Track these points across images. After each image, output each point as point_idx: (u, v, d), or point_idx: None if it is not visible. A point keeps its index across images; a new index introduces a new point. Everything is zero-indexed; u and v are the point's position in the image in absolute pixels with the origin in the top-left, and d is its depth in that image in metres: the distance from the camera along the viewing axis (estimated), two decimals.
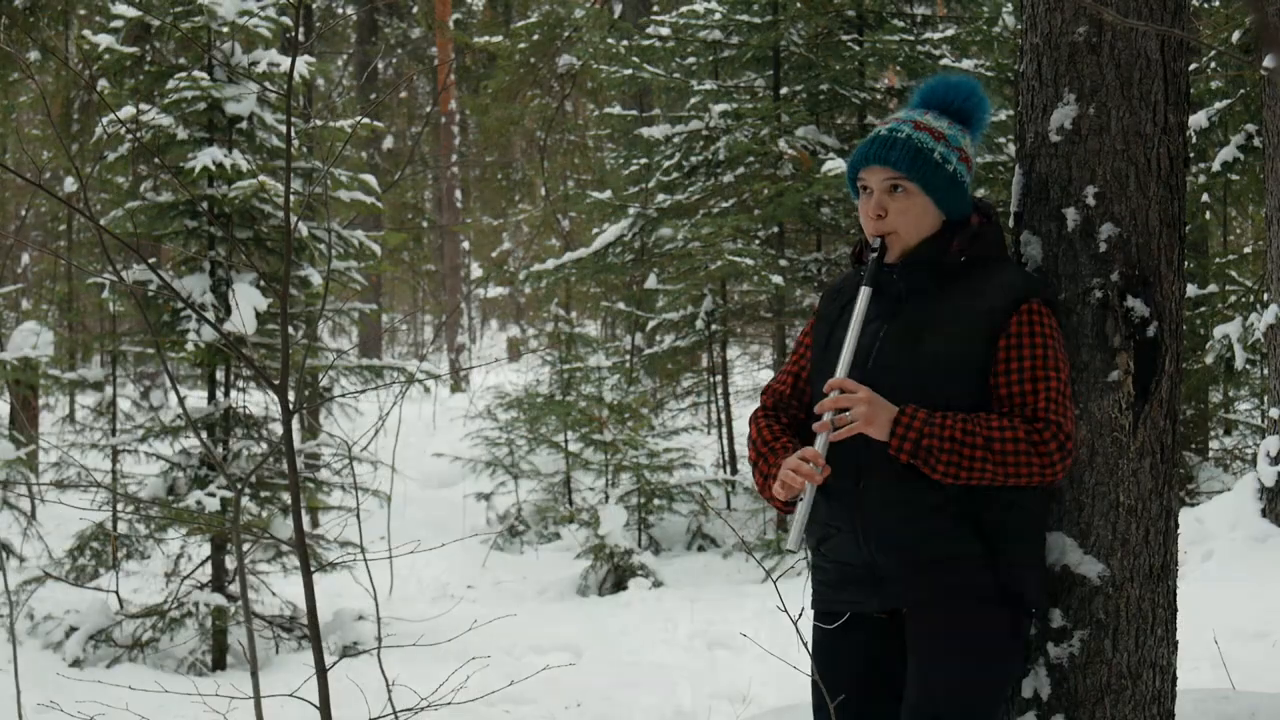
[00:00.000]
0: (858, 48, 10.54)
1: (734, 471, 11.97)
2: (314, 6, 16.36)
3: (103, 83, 7.77)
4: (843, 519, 2.82)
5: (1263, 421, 10.38)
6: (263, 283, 7.11)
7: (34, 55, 12.22)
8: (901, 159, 2.79)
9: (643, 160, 11.61)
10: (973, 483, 2.68)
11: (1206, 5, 9.62)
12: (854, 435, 2.73)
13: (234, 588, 7.25)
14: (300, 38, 7.04)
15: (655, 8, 16.00)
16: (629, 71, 10.93)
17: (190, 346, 7.05)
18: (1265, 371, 8.65)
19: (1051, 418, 2.69)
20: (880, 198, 2.82)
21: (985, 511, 2.73)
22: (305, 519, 10.02)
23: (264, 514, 7.40)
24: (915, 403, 2.72)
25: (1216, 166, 8.98)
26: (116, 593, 7.73)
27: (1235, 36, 8.87)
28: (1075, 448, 2.73)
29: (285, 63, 7.47)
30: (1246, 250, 12.66)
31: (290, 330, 7.56)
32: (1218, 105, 9.01)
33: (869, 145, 2.84)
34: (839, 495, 2.82)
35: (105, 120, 7.68)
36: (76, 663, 7.01)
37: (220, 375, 7.67)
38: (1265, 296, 7.57)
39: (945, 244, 2.83)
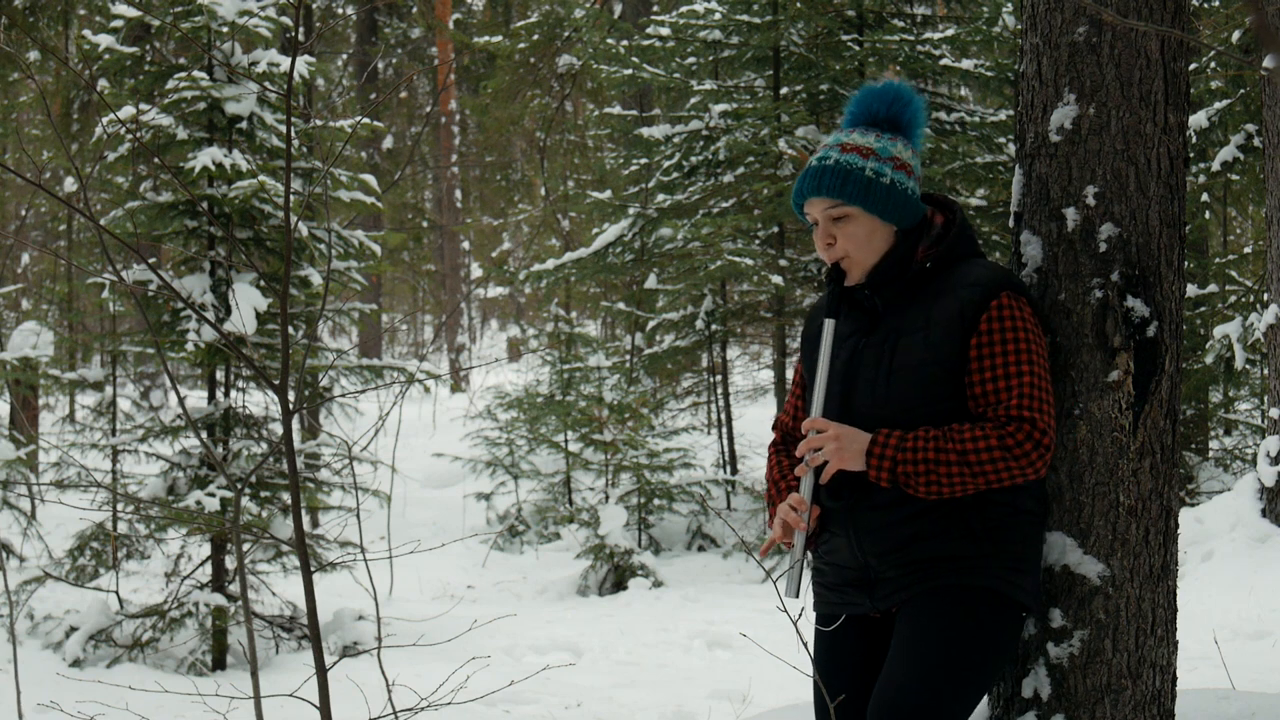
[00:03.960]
0: (858, 48, 10.54)
1: (734, 471, 11.97)
2: (314, 6, 16.35)
3: (103, 83, 7.77)
4: (837, 523, 2.85)
5: (1263, 421, 10.39)
6: (263, 283, 7.11)
7: (34, 55, 12.22)
8: (833, 185, 2.81)
9: (643, 160, 11.61)
10: (956, 495, 2.71)
11: (1206, 5, 9.62)
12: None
13: (234, 588, 7.25)
14: (300, 38, 7.04)
15: (655, 8, 16.00)
16: (629, 71, 10.93)
17: (190, 346, 7.04)
18: (1265, 371, 8.65)
19: (1025, 414, 2.69)
20: (826, 226, 2.85)
21: (977, 513, 2.74)
22: (305, 519, 10.02)
23: (264, 514, 7.40)
24: (897, 411, 2.75)
25: (1216, 166, 8.98)
26: (116, 593, 7.73)
27: (1235, 36, 8.87)
28: (1053, 441, 2.73)
29: (285, 63, 7.47)
30: (1246, 250, 12.67)
31: (290, 330, 7.56)
32: (1218, 105, 9.02)
33: (803, 179, 2.87)
34: (833, 500, 2.86)
35: (105, 120, 7.68)
36: (76, 663, 7.01)
37: (220, 375, 7.67)
38: (1265, 296, 7.57)
39: (908, 252, 2.84)
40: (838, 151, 2.85)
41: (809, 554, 2.97)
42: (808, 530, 2.83)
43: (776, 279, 10.50)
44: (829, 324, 2.84)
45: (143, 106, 7.46)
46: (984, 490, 2.74)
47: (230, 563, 7.34)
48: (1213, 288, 10.21)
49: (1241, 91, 8.95)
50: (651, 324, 12.12)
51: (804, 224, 2.98)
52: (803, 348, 3.04)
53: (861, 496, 2.80)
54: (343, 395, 4.57)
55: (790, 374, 11.49)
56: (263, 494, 7.46)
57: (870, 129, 2.89)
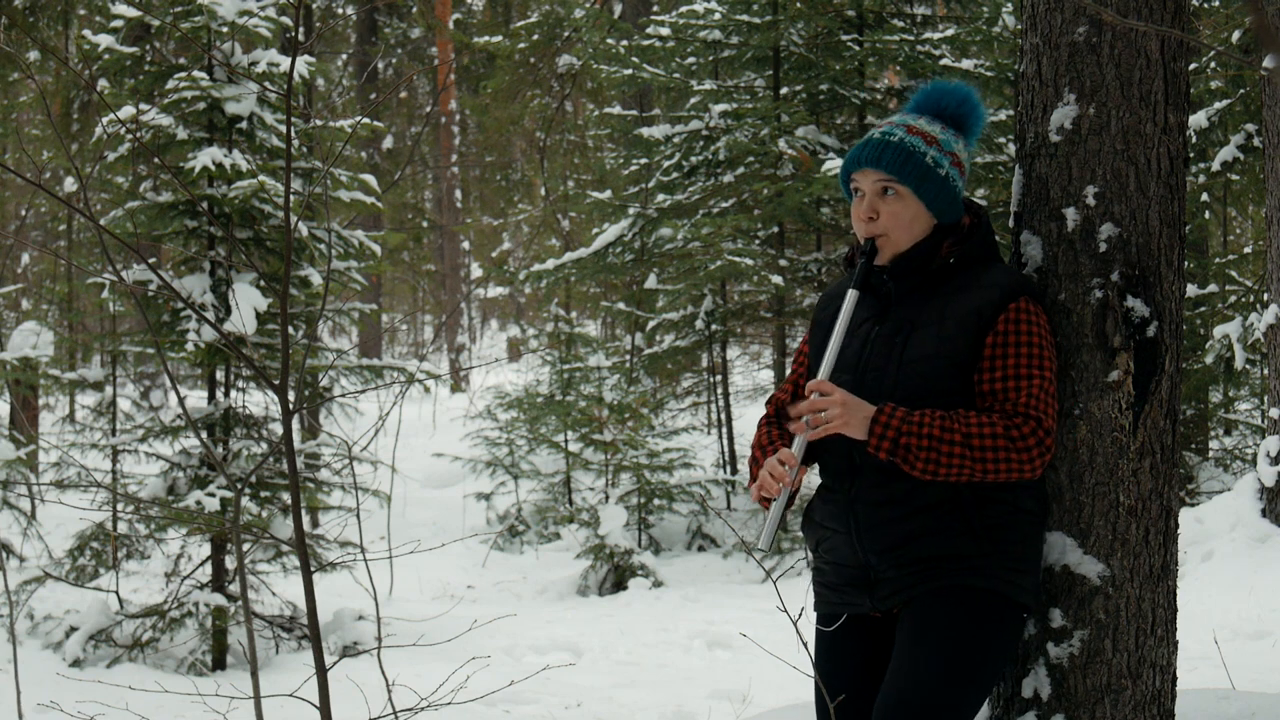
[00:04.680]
0: (858, 48, 10.54)
1: (734, 471, 11.97)
2: (314, 6, 16.35)
3: (103, 83, 7.77)
4: (837, 521, 2.85)
5: (1263, 421, 10.38)
6: (263, 283, 7.11)
7: (34, 55, 12.22)
8: (893, 162, 2.81)
9: (643, 160, 11.61)
10: (951, 479, 2.70)
11: (1206, 5, 9.62)
12: (845, 438, 2.76)
13: (234, 588, 7.25)
14: (300, 38, 7.04)
15: (655, 8, 16.00)
16: (629, 71, 10.93)
17: (190, 346, 7.04)
18: (1265, 371, 8.64)
19: (1032, 413, 2.71)
20: (872, 200, 2.84)
21: (978, 511, 2.74)
22: (305, 519, 10.02)
23: (264, 514, 7.40)
24: (904, 403, 2.75)
25: (1216, 166, 8.97)
26: (116, 593, 7.73)
27: (1235, 36, 8.87)
28: (1055, 444, 2.76)
29: (285, 63, 7.47)
30: (1246, 250, 12.66)
31: (290, 330, 7.56)
32: (1218, 105, 9.01)
33: (862, 148, 2.86)
34: (833, 497, 2.86)
35: (105, 120, 7.68)
36: (76, 663, 7.01)
37: (220, 375, 7.67)
38: (1265, 296, 7.57)
39: (936, 247, 2.85)
40: (903, 131, 2.85)
41: (808, 552, 2.97)
42: (793, 488, 2.79)
43: (776, 279, 10.50)
44: (852, 294, 2.83)
45: (143, 106, 7.46)
46: (982, 486, 2.74)
47: (230, 563, 7.34)
48: (1213, 288, 10.20)
49: (1241, 91, 8.95)
50: (651, 324, 12.12)
51: (845, 197, 2.95)
52: (813, 330, 3.03)
53: (862, 491, 2.79)
54: (343, 395, 4.58)
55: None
56: (263, 494, 7.46)
57: (936, 120, 2.90)
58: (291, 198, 6.05)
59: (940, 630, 2.73)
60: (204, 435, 7.43)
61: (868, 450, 2.73)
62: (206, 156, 7.10)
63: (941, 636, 2.73)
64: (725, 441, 12.14)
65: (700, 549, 10.65)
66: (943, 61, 10.31)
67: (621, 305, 13.19)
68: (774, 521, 2.78)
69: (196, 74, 7.33)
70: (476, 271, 25.96)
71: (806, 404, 2.77)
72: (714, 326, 11.67)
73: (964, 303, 2.79)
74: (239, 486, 3.19)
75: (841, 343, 2.82)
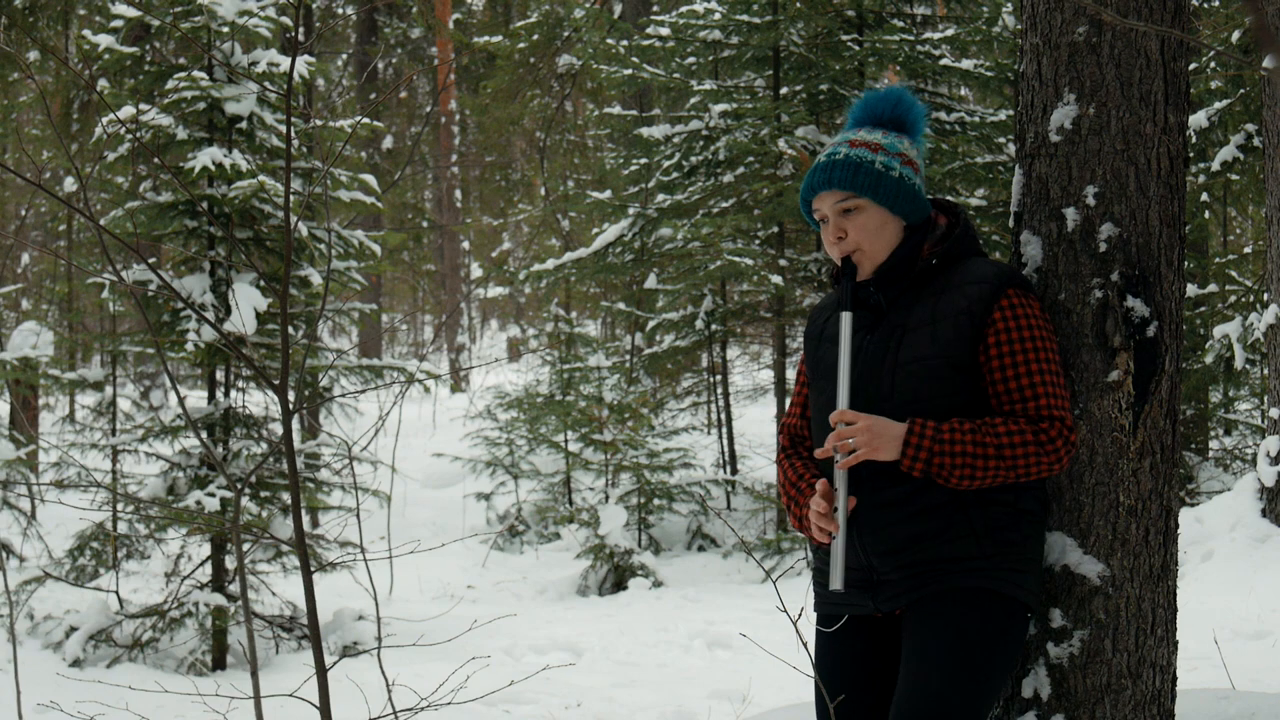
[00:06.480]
0: (858, 48, 10.54)
1: (734, 471, 11.97)
2: (314, 6, 16.35)
3: (103, 83, 7.77)
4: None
5: (1263, 421, 10.38)
6: (263, 283, 7.11)
7: (34, 55, 12.22)
8: (844, 177, 2.84)
9: (643, 160, 11.61)
10: (984, 485, 2.73)
11: (1206, 5, 9.62)
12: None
13: (234, 588, 7.25)
14: (300, 38, 7.03)
15: (655, 8, 15.99)
16: (629, 71, 10.93)
17: (190, 346, 7.04)
18: (1265, 371, 8.65)
19: (1055, 414, 2.74)
20: (836, 221, 2.88)
21: (980, 513, 2.75)
22: (305, 519, 10.02)
23: (264, 514, 7.40)
24: (902, 405, 2.76)
25: (1216, 166, 8.98)
26: (116, 593, 7.73)
27: (1235, 36, 8.87)
28: (1078, 437, 2.78)
29: (285, 63, 7.47)
30: (1246, 250, 12.66)
31: (290, 330, 7.56)
32: (1218, 105, 9.01)
33: (812, 175, 2.90)
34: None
35: (105, 120, 7.68)
36: (76, 663, 7.01)
37: (220, 375, 7.67)
38: (1265, 296, 7.57)
39: (914, 249, 2.87)
40: (846, 147, 2.89)
41: (809, 552, 2.97)
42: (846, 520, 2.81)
43: (776, 279, 10.50)
44: (846, 317, 2.83)
45: (143, 106, 7.46)
46: (987, 489, 2.75)
47: (230, 563, 7.34)
48: (1213, 288, 10.21)
49: (1241, 91, 8.95)
50: (651, 324, 12.12)
51: (809, 225, 2.99)
52: (806, 346, 3.05)
53: (864, 494, 2.80)
54: (343, 395, 4.58)
55: (790, 374, 11.49)
56: (263, 494, 7.46)
57: (876, 128, 2.94)
58: (291, 198, 6.05)
59: (949, 634, 2.74)
60: (204, 435, 7.43)
61: (901, 469, 2.74)
62: (206, 156, 7.10)
63: (951, 641, 2.73)
64: (725, 441, 12.13)
65: (700, 549, 10.65)
66: (943, 61, 10.32)
67: (621, 305, 13.19)
68: (840, 558, 2.78)
69: (196, 74, 7.33)
70: (476, 271, 25.96)
71: (833, 436, 2.76)
72: (714, 326, 11.67)
73: (952, 301, 2.79)
74: (239, 486, 3.19)
75: (851, 366, 2.81)
